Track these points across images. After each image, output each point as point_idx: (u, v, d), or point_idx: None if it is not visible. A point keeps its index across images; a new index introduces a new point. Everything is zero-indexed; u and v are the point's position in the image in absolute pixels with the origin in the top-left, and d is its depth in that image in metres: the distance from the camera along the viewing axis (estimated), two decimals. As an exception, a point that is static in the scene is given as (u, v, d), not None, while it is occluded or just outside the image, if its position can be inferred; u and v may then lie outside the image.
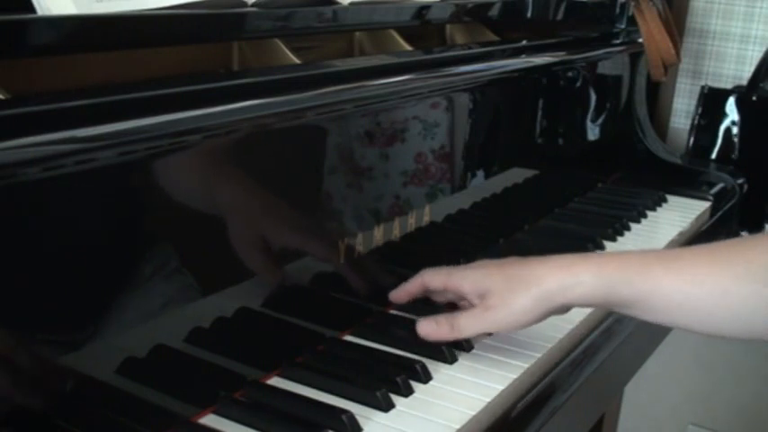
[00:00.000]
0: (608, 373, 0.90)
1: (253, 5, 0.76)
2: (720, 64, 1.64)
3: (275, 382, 0.75)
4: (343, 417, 0.67)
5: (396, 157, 0.90)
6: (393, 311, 0.90)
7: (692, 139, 1.59)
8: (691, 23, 1.65)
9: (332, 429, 0.67)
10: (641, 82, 1.51)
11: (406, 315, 0.89)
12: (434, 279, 0.83)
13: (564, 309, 0.77)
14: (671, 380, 1.80)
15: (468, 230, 1.06)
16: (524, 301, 0.74)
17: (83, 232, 0.60)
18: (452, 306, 0.85)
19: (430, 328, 0.78)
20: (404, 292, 0.86)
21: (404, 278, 0.90)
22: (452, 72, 0.96)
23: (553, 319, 0.87)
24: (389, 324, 0.87)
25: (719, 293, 0.71)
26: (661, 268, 0.73)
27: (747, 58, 1.61)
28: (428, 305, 0.89)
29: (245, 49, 0.85)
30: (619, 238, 1.17)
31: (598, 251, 0.81)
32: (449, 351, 0.79)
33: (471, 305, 0.79)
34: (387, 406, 0.71)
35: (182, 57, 0.80)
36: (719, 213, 1.37)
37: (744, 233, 1.51)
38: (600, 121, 1.40)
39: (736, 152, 1.55)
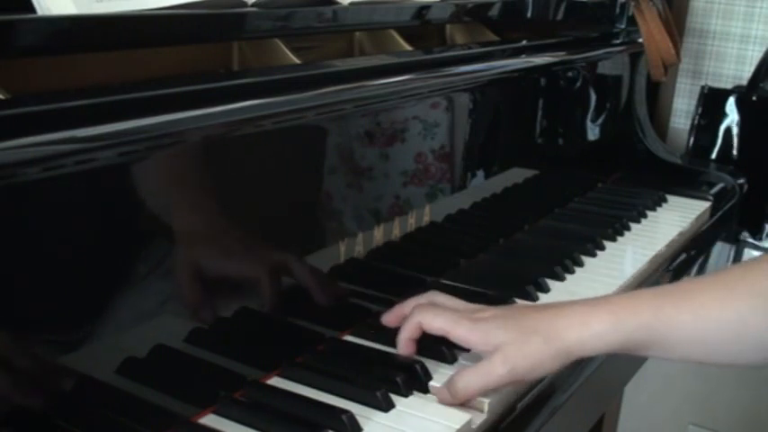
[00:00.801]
0: (608, 373, 0.90)
1: (253, 5, 0.76)
2: (720, 64, 1.64)
3: (275, 382, 0.75)
4: (343, 417, 0.67)
5: (396, 157, 0.90)
6: (393, 311, 0.90)
7: (692, 139, 1.59)
8: (691, 23, 1.65)
9: (332, 429, 0.67)
10: (641, 82, 1.51)
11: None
12: (435, 324, 0.77)
13: (580, 359, 0.76)
14: (671, 380, 1.80)
15: (468, 230, 1.06)
16: (544, 356, 0.72)
17: (83, 232, 0.60)
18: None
19: (444, 395, 0.73)
20: (406, 345, 0.79)
21: (404, 278, 0.90)
22: (452, 72, 0.96)
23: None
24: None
25: (737, 326, 0.71)
26: (673, 308, 0.73)
27: (747, 58, 1.61)
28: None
29: (245, 49, 0.86)
30: (619, 238, 1.17)
31: (610, 295, 0.83)
32: (449, 351, 0.79)
33: None
34: (387, 406, 0.71)
35: (182, 57, 0.80)
36: (719, 213, 1.37)
37: (744, 233, 1.51)
38: (600, 121, 1.40)
39: (736, 152, 1.55)
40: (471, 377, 0.71)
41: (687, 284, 0.79)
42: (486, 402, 0.72)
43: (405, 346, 0.78)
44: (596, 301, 0.76)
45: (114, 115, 0.59)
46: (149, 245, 0.65)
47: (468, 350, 0.80)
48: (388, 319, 0.82)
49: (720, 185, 1.45)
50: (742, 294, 0.71)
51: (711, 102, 1.56)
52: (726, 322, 0.71)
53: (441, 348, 0.79)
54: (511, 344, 0.72)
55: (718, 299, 0.72)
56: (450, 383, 0.72)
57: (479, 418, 0.71)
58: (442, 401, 0.73)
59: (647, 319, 0.72)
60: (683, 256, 1.19)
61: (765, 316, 0.70)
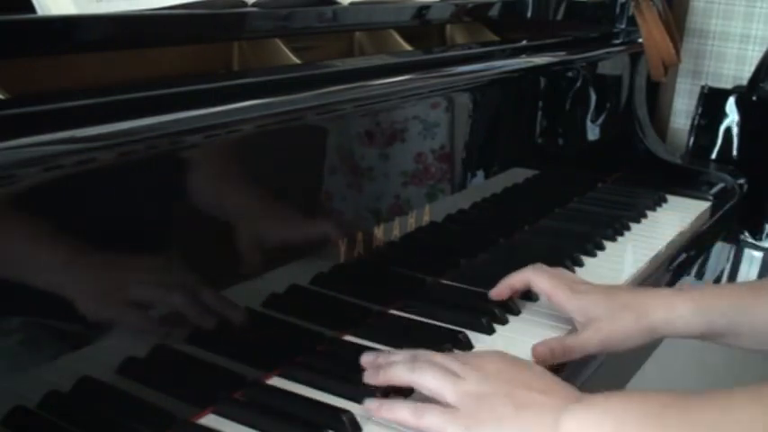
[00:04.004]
0: (608, 373, 0.90)
1: (253, 5, 0.76)
2: (720, 64, 1.64)
3: (275, 382, 0.75)
4: (343, 417, 0.67)
5: (396, 156, 0.90)
6: (393, 311, 0.90)
7: (692, 140, 1.59)
8: (691, 23, 1.65)
9: (332, 429, 0.67)
10: (641, 82, 1.51)
11: (406, 315, 0.89)
12: (541, 283, 0.86)
13: (663, 337, 0.83)
14: (671, 380, 1.80)
15: (468, 230, 1.06)
16: (633, 331, 0.80)
17: (83, 232, 0.60)
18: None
19: (544, 351, 0.80)
20: (505, 289, 0.89)
21: (404, 278, 0.90)
22: (452, 72, 0.96)
23: (552, 321, 0.88)
24: (389, 324, 0.87)
25: None
26: (752, 296, 0.80)
27: (747, 58, 1.61)
28: (430, 308, 0.90)
29: (245, 49, 0.86)
30: (619, 238, 1.17)
31: (666, 288, 0.88)
32: (449, 351, 0.79)
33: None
34: (387, 406, 0.71)
35: (182, 57, 0.80)
36: (719, 213, 1.37)
37: (744, 233, 1.51)
38: (600, 121, 1.40)
39: (736, 152, 1.55)
40: (580, 341, 0.80)
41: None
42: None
43: (502, 289, 0.89)
44: (681, 290, 0.84)
45: (114, 115, 0.59)
46: (149, 244, 0.65)
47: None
48: (498, 291, 0.90)
49: (720, 185, 1.45)
50: None
51: (711, 102, 1.56)
52: None
53: (441, 349, 0.79)
54: (604, 319, 0.80)
55: None
56: (564, 342, 0.80)
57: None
58: (539, 356, 0.79)
59: (728, 306, 0.79)
60: (683, 256, 1.19)
61: None
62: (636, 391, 0.65)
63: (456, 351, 0.80)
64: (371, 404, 0.68)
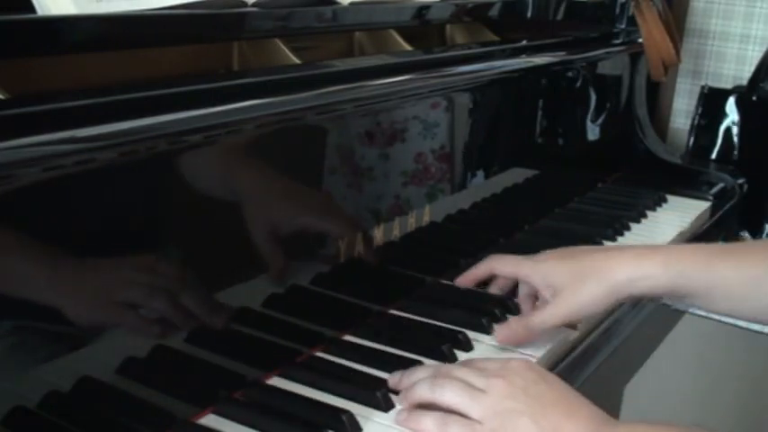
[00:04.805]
0: (608, 373, 0.90)
1: (253, 5, 0.76)
2: (720, 64, 1.64)
3: (275, 382, 0.75)
4: (343, 417, 0.67)
5: (396, 156, 0.90)
6: (393, 311, 0.90)
7: (692, 140, 1.59)
8: (691, 23, 1.65)
9: (332, 429, 0.67)
10: (641, 82, 1.51)
11: (406, 315, 0.89)
12: (504, 267, 0.88)
13: (629, 298, 0.81)
14: (671, 380, 1.80)
15: (468, 230, 1.06)
16: (596, 292, 0.78)
17: (83, 232, 0.60)
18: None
19: (506, 333, 0.81)
20: (471, 277, 0.90)
21: (404, 278, 0.90)
22: (452, 72, 0.96)
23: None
24: (390, 324, 0.87)
25: None
26: (722, 262, 0.77)
27: (747, 58, 1.61)
28: (430, 308, 0.90)
29: (245, 49, 0.85)
30: (619, 239, 1.17)
31: (662, 245, 0.86)
32: (449, 351, 0.80)
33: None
34: (387, 406, 0.71)
35: (182, 57, 0.80)
36: (720, 213, 1.37)
37: (744, 234, 1.51)
38: (600, 121, 1.40)
39: (736, 152, 1.55)
40: (543, 315, 0.79)
41: (743, 245, 0.86)
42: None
43: (467, 278, 0.90)
44: (649, 246, 0.82)
45: (114, 115, 0.59)
46: (149, 244, 0.65)
47: (467, 350, 0.81)
48: (464, 279, 0.91)
49: (720, 185, 1.45)
50: None
51: (711, 102, 1.56)
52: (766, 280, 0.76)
53: (441, 350, 0.79)
54: (567, 287, 0.79)
55: (763, 259, 0.76)
56: (526, 320, 0.80)
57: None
58: (503, 341, 0.80)
59: (699, 269, 0.77)
60: (683, 256, 1.18)
61: None
62: (660, 423, 0.65)
63: (456, 351, 0.80)
64: (400, 416, 0.69)
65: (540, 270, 0.82)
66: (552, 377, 0.71)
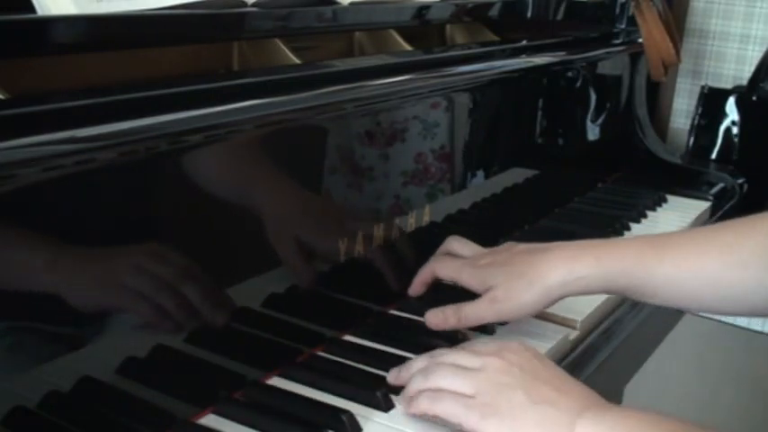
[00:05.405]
0: (608, 373, 0.90)
1: (253, 5, 0.76)
2: (720, 64, 1.64)
3: (275, 382, 0.75)
4: (343, 417, 0.67)
5: (396, 156, 0.90)
6: (393, 311, 0.90)
7: (692, 140, 1.59)
8: (691, 23, 1.65)
9: (332, 429, 0.67)
10: (641, 82, 1.51)
11: (406, 315, 0.89)
12: (445, 271, 0.87)
13: (567, 296, 0.81)
14: (671, 380, 1.80)
15: (468, 230, 1.06)
16: (527, 296, 0.79)
17: (83, 232, 0.60)
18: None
19: (438, 318, 0.82)
20: (418, 282, 0.89)
21: (404, 278, 0.90)
22: (452, 72, 0.96)
23: (552, 311, 0.88)
24: (390, 324, 0.87)
25: (710, 280, 0.76)
26: (655, 258, 0.78)
27: (747, 58, 1.61)
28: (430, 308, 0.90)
29: (245, 49, 0.85)
30: (619, 239, 1.17)
31: (596, 240, 0.84)
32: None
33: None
34: (387, 406, 0.71)
35: (182, 57, 0.80)
36: (719, 213, 1.37)
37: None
38: (600, 121, 1.40)
39: (736, 152, 1.55)
40: (475, 309, 0.80)
41: (672, 236, 0.83)
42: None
43: (416, 287, 0.89)
44: (583, 245, 0.82)
45: (114, 115, 0.59)
46: (149, 244, 0.65)
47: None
48: (413, 289, 0.89)
49: (720, 185, 1.45)
50: (719, 251, 0.76)
51: (711, 102, 1.56)
52: (700, 277, 0.76)
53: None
54: (499, 287, 0.80)
55: (696, 254, 0.77)
56: (459, 310, 0.81)
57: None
58: (432, 324, 0.82)
59: (630, 266, 0.78)
60: (683, 256, 1.18)
61: (734, 272, 0.75)
62: (654, 411, 0.66)
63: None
64: (402, 407, 0.70)
65: (478, 276, 0.83)
66: (547, 360, 0.72)
